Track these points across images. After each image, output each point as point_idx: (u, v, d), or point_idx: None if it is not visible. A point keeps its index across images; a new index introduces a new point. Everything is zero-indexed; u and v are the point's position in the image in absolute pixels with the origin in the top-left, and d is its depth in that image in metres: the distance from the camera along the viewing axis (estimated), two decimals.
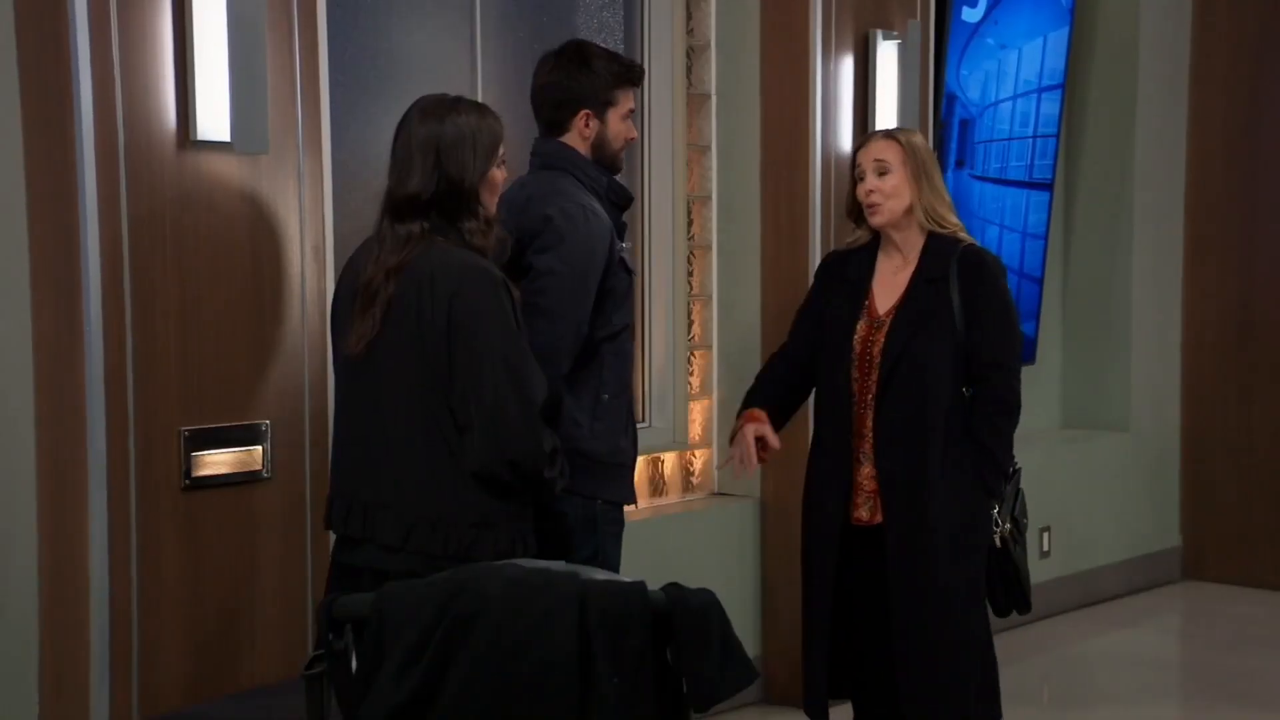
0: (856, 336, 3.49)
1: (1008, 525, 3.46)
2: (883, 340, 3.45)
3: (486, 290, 2.77)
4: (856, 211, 3.55)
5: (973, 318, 3.42)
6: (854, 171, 3.53)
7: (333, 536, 2.97)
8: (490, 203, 2.89)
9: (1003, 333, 3.45)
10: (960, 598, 3.42)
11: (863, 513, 3.48)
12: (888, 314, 3.48)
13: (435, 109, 2.86)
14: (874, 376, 3.44)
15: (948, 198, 3.53)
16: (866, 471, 3.46)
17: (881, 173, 3.46)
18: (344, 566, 2.88)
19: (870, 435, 3.45)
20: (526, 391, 2.77)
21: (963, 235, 3.52)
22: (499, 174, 2.89)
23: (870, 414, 3.45)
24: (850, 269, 3.59)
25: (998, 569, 3.46)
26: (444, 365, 2.76)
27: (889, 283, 3.52)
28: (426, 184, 2.80)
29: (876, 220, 3.48)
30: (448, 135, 2.81)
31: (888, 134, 3.52)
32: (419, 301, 2.77)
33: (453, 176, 2.81)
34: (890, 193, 3.45)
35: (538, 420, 2.79)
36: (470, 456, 2.77)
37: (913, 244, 3.50)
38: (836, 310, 3.54)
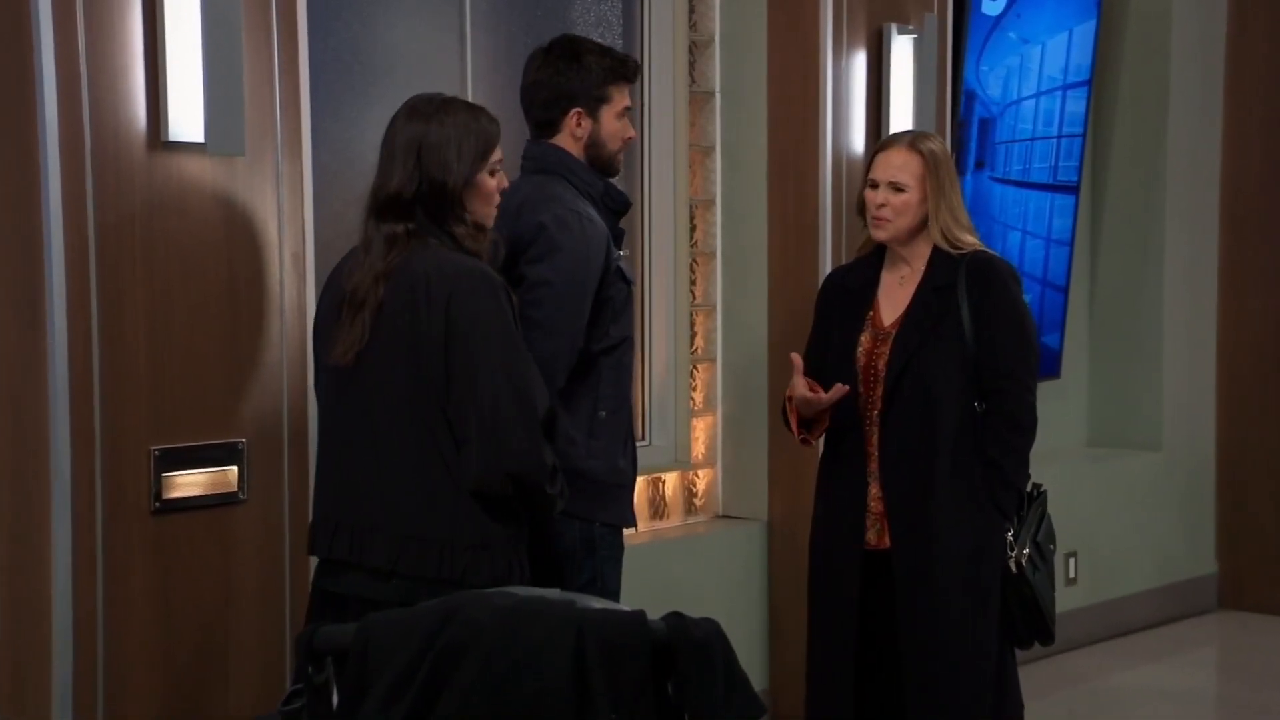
0: (860, 349, 3.51)
1: (1026, 550, 3.46)
2: (887, 353, 3.46)
3: (486, 294, 2.79)
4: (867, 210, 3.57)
5: (982, 327, 3.43)
6: (868, 173, 3.55)
7: (313, 562, 2.98)
8: (482, 211, 2.90)
9: (1015, 343, 3.45)
10: (971, 626, 3.43)
11: (870, 535, 3.49)
12: (893, 325, 3.50)
13: (424, 108, 2.89)
14: (879, 391, 3.46)
15: (965, 216, 3.53)
16: (873, 492, 3.48)
17: (896, 189, 3.47)
18: (327, 594, 2.89)
19: (876, 454, 3.46)
20: (528, 401, 2.79)
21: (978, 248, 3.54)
22: (491, 181, 2.90)
23: (876, 431, 3.46)
24: (852, 280, 3.60)
25: (1015, 596, 3.46)
26: (440, 374, 2.78)
27: (894, 293, 3.53)
28: (408, 183, 2.83)
29: (881, 235, 3.50)
30: (431, 135, 2.84)
31: (911, 144, 3.50)
32: (413, 306, 2.79)
33: (435, 178, 2.83)
34: (900, 210, 3.47)
35: (539, 431, 2.80)
36: (468, 470, 2.78)
37: (919, 256, 3.52)
38: (840, 323, 3.56)
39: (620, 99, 3.28)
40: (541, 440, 2.81)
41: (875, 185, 3.50)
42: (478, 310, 2.78)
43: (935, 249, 3.49)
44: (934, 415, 3.42)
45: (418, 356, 2.79)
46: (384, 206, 2.85)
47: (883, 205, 3.48)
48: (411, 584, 2.78)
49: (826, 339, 3.60)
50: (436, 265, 2.80)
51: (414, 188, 2.83)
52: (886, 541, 3.47)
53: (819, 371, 3.53)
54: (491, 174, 2.91)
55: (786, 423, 3.58)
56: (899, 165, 3.48)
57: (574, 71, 3.24)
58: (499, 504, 2.81)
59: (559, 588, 2.86)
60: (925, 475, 3.42)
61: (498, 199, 2.94)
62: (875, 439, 3.48)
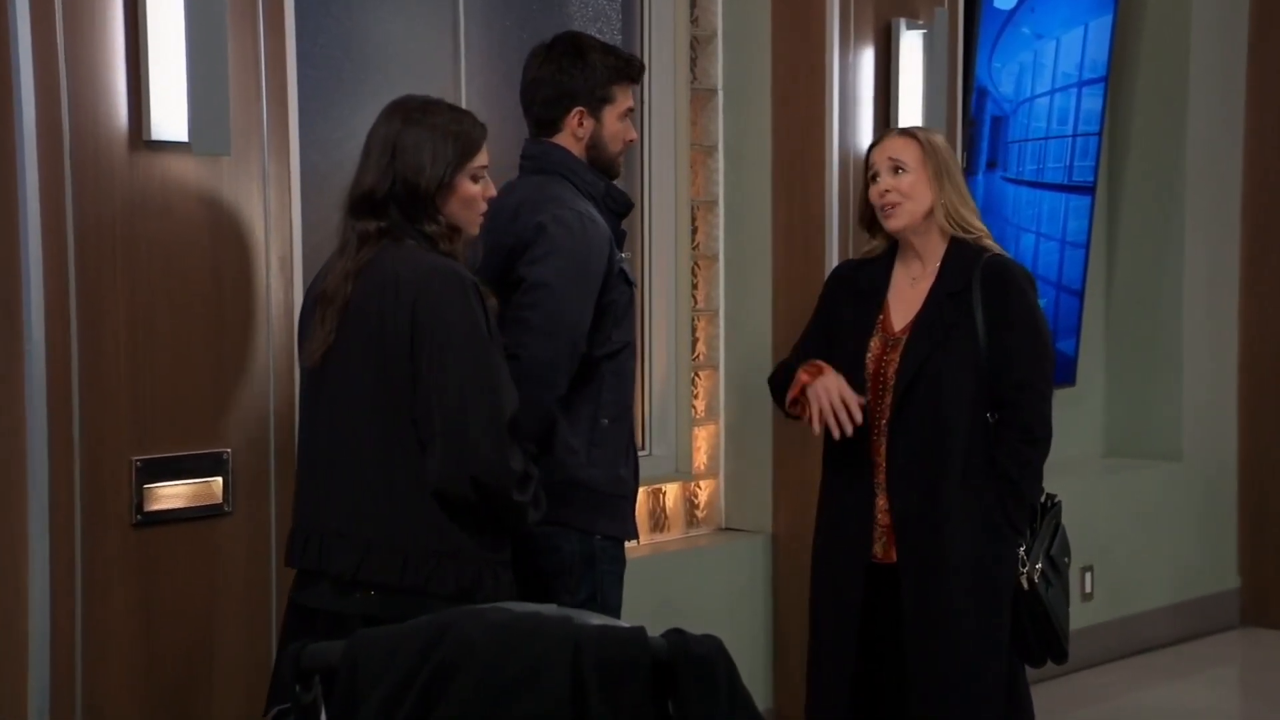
0: (870, 355, 3.51)
1: (1039, 565, 3.47)
2: (898, 359, 3.47)
3: (455, 293, 2.81)
4: (870, 218, 3.57)
5: (997, 335, 3.44)
6: (867, 173, 3.56)
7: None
8: (462, 216, 2.91)
9: (1031, 351, 3.47)
10: (980, 645, 3.43)
11: (877, 549, 3.50)
12: (904, 330, 3.51)
13: (404, 106, 2.93)
14: (888, 399, 3.46)
15: (971, 200, 3.56)
16: (880, 504, 3.49)
17: (897, 170, 3.48)
18: (298, 607, 2.92)
19: (884, 464, 3.47)
20: (494, 404, 2.80)
21: (988, 243, 3.55)
22: (472, 187, 2.91)
23: (884, 441, 3.47)
24: (863, 279, 3.61)
25: (1027, 613, 3.46)
26: (406, 375, 2.80)
27: (906, 295, 3.54)
28: (381, 181, 2.87)
29: (894, 224, 3.50)
30: (408, 135, 2.87)
31: (904, 130, 3.56)
32: (380, 305, 2.81)
33: (408, 179, 2.86)
34: (908, 192, 3.48)
35: (506, 436, 2.82)
36: (431, 473, 2.79)
37: (933, 251, 3.53)
38: (848, 325, 3.56)
39: (624, 100, 3.30)
40: (508, 444, 2.81)
41: (876, 176, 3.51)
42: (446, 310, 2.80)
43: (950, 246, 3.50)
44: (945, 425, 3.43)
45: (384, 357, 2.81)
46: (358, 204, 2.89)
47: (888, 191, 3.48)
48: (377, 593, 2.79)
49: (827, 331, 3.59)
50: (407, 264, 2.83)
51: (387, 186, 2.86)
52: (893, 555, 3.48)
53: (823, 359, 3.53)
54: (474, 179, 2.92)
55: (776, 391, 3.56)
56: (895, 150, 3.50)
57: (577, 70, 3.26)
58: (467, 510, 2.82)
59: (556, 603, 2.87)
60: (934, 487, 3.43)
61: (483, 206, 2.95)
62: (883, 449, 3.48)
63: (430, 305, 2.79)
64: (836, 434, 3.44)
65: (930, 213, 3.50)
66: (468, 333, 2.81)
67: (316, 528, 2.88)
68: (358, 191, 2.89)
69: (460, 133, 2.90)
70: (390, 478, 2.82)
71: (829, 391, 3.42)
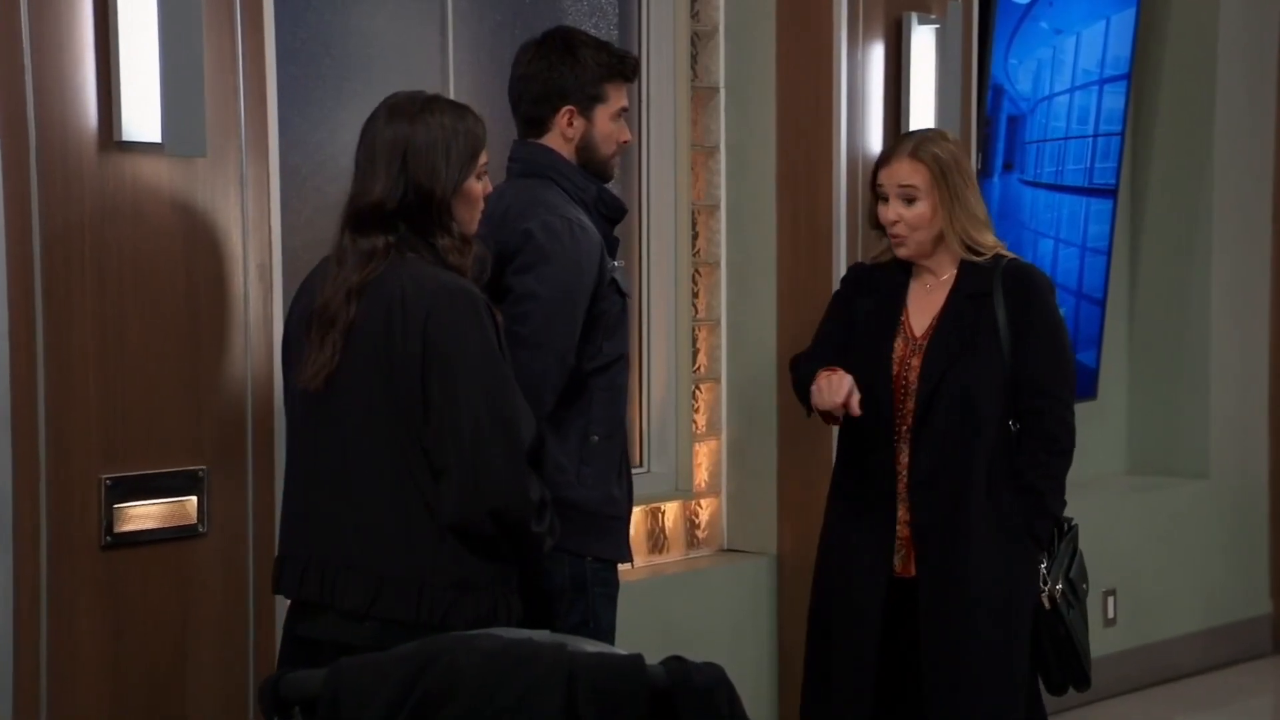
0: (894, 356, 3.52)
1: (1059, 585, 3.48)
2: (919, 364, 3.48)
3: (466, 313, 2.79)
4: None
5: (1019, 340, 3.46)
6: (875, 189, 3.57)
7: (280, 602, 2.97)
8: (468, 219, 2.91)
9: (1053, 358, 3.50)
10: (1001, 663, 3.44)
11: (896, 562, 3.51)
12: (924, 335, 3.52)
13: (406, 107, 2.89)
14: (909, 406, 3.47)
15: (984, 215, 3.57)
16: (901, 515, 3.49)
17: (908, 200, 3.49)
18: (300, 639, 2.89)
19: (905, 474, 3.48)
20: (511, 431, 2.79)
21: (1003, 253, 3.57)
22: (478, 186, 2.91)
23: (906, 448, 3.48)
24: (881, 280, 3.62)
25: (1048, 634, 3.48)
26: (417, 400, 2.78)
27: (925, 299, 3.56)
28: (391, 192, 2.83)
29: (902, 253, 3.54)
30: (418, 138, 2.84)
31: (914, 152, 3.54)
32: (388, 326, 2.79)
33: (421, 185, 2.83)
34: (916, 223, 3.50)
35: (524, 464, 2.81)
36: (446, 506, 2.78)
37: (945, 266, 3.55)
38: (869, 322, 3.58)
39: (617, 99, 3.30)
40: (526, 474, 2.81)
41: (884, 197, 3.53)
42: (457, 331, 2.77)
43: (961, 266, 3.52)
44: (971, 434, 3.45)
45: (392, 381, 2.78)
46: (362, 217, 2.84)
47: (896, 222, 3.51)
48: (388, 627, 2.77)
49: (846, 326, 3.59)
50: (413, 281, 2.80)
51: (399, 197, 2.82)
52: (912, 569, 3.49)
53: (844, 353, 3.54)
54: (478, 179, 2.91)
55: (798, 383, 3.59)
56: (905, 176, 3.51)
57: (568, 66, 3.26)
58: (482, 540, 2.81)
59: (548, 629, 2.86)
60: (958, 498, 3.44)
61: (482, 204, 2.95)
62: (904, 457, 3.49)
63: (441, 327, 2.77)
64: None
65: (940, 238, 3.52)
66: (481, 355, 2.78)
67: (317, 557, 2.85)
68: (364, 203, 2.83)
69: (467, 130, 2.88)
70: (403, 508, 2.80)
71: (832, 386, 3.42)
